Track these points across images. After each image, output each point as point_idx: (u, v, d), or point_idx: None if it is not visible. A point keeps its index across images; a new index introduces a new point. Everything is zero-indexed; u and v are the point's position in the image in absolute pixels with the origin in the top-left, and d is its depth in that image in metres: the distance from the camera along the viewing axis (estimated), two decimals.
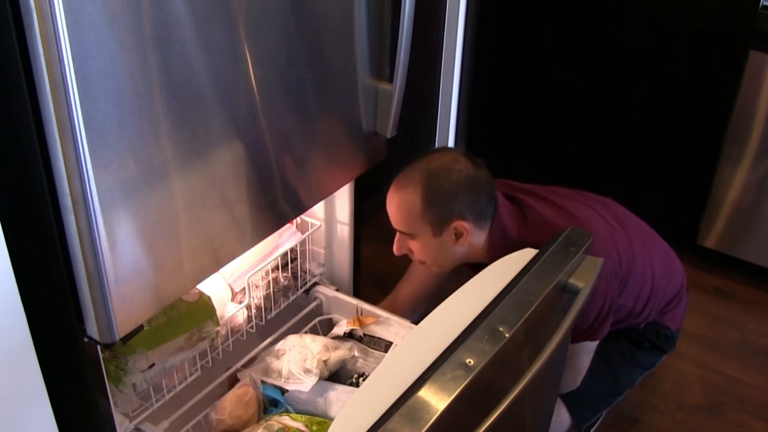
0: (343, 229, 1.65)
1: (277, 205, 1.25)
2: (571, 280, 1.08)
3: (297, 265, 1.63)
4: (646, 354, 1.72)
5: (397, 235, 1.54)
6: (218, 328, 1.38)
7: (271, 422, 1.31)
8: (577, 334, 1.49)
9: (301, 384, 1.36)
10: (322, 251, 1.69)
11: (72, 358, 1.02)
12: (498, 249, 1.49)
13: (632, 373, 1.72)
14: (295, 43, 1.14)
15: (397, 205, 1.49)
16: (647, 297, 1.62)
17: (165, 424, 1.31)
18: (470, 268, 1.62)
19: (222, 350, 1.46)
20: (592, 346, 1.56)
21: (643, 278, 1.60)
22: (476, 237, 1.50)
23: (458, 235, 1.47)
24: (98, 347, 1.06)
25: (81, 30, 0.81)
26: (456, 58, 2.67)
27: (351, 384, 1.42)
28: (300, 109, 1.21)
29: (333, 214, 1.65)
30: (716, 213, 2.36)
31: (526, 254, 1.12)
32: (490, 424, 0.86)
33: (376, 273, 1.93)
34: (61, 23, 0.79)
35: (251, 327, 1.54)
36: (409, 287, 1.84)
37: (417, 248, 1.52)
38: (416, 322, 1.56)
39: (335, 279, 1.73)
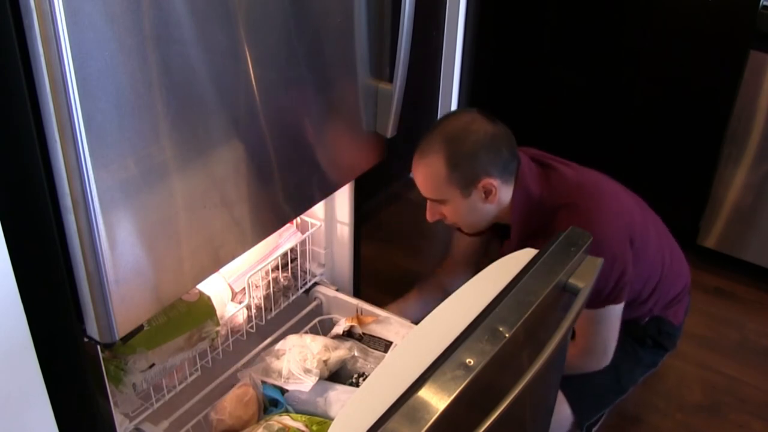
0: (343, 229, 1.65)
1: (277, 205, 1.25)
2: (571, 280, 1.08)
3: (297, 265, 1.63)
4: (648, 351, 1.72)
5: (428, 202, 1.55)
6: (218, 328, 1.38)
7: (271, 422, 1.31)
8: (599, 300, 1.49)
9: (301, 384, 1.36)
10: (322, 251, 1.69)
11: (72, 358, 1.02)
12: (522, 209, 1.52)
13: (634, 370, 1.72)
14: (295, 43, 1.14)
15: (423, 173, 1.50)
16: (654, 285, 1.64)
17: (165, 424, 1.31)
18: (497, 237, 1.66)
19: (222, 350, 1.46)
20: (616, 311, 1.54)
21: (654, 264, 1.63)
22: (504, 193, 1.52)
23: (487, 193, 1.49)
24: (98, 347, 1.06)
25: (81, 30, 0.81)
26: (456, 58, 2.67)
27: (351, 384, 1.42)
28: (300, 109, 1.21)
29: (333, 214, 1.65)
30: (716, 213, 2.36)
31: (526, 254, 1.12)
32: (490, 424, 0.85)
33: (376, 273, 1.93)
34: (61, 23, 0.79)
35: (251, 327, 1.54)
36: (460, 248, 1.85)
37: (449, 212, 1.54)
38: (416, 322, 1.56)
39: (335, 279, 1.73)
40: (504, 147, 1.50)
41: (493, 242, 1.78)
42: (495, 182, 1.48)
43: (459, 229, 1.77)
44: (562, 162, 1.61)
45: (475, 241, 1.83)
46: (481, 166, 1.47)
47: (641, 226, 1.59)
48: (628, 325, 1.69)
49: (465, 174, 1.47)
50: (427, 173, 1.50)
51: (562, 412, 1.62)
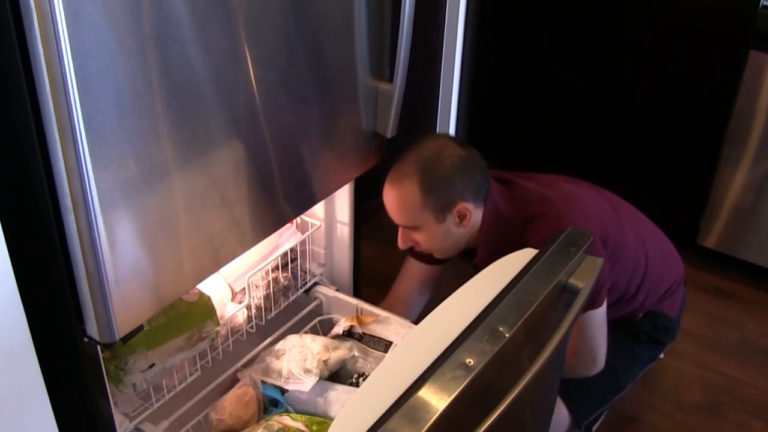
0: (343, 229, 1.65)
1: (277, 205, 1.25)
2: (571, 280, 1.08)
3: (297, 265, 1.63)
4: (644, 347, 1.72)
5: (400, 229, 1.54)
6: (218, 328, 1.38)
7: (271, 422, 1.31)
8: None
9: (301, 384, 1.36)
10: (322, 251, 1.69)
11: (72, 358, 1.02)
12: (490, 224, 1.52)
13: (631, 367, 1.72)
14: (295, 43, 1.14)
15: (396, 199, 1.49)
16: (641, 279, 1.64)
17: (165, 424, 1.31)
18: (464, 258, 1.64)
19: (222, 350, 1.46)
20: (598, 316, 1.53)
21: (636, 258, 1.62)
22: (477, 216, 1.52)
23: (462, 217, 1.49)
24: (98, 347, 1.06)
25: (81, 30, 0.81)
26: (456, 58, 2.67)
27: (351, 384, 1.42)
28: (300, 109, 1.21)
29: (333, 214, 1.65)
30: (716, 213, 2.36)
31: (526, 254, 1.12)
32: (490, 424, 0.85)
33: (376, 273, 1.93)
34: (61, 23, 0.79)
35: (251, 327, 1.54)
36: (404, 284, 1.84)
37: (422, 239, 1.53)
38: (416, 321, 1.56)
39: (335, 279, 1.73)
40: (477, 170, 1.50)
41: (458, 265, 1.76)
42: (469, 206, 1.48)
43: (416, 255, 1.74)
44: (522, 176, 1.61)
45: (421, 285, 1.80)
46: (457, 190, 1.46)
47: (614, 222, 1.59)
48: (622, 322, 1.69)
49: (440, 199, 1.46)
50: (400, 199, 1.48)
51: (560, 412, 1.62)
